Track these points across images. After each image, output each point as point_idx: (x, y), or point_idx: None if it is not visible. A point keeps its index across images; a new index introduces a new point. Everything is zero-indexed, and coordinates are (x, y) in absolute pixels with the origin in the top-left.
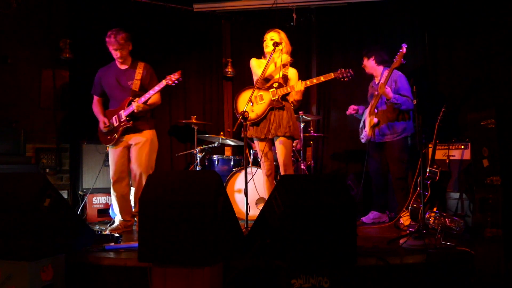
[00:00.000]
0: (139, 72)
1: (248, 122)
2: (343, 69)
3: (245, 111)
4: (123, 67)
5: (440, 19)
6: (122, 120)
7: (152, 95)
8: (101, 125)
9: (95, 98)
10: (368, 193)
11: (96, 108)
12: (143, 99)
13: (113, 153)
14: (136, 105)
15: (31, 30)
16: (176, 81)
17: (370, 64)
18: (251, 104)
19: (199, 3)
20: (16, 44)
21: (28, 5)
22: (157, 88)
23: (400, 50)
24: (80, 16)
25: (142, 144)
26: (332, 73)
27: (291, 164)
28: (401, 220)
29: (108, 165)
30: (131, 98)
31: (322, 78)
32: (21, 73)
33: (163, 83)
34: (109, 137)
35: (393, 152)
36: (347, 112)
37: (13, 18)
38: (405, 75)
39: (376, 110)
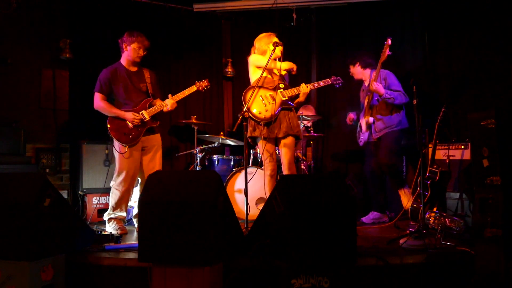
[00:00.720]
0: (147, 76)
1: (262, 122)
2: (334, 76)
3: (245, 111)
4: (133, 69)
5: (440, 19)
6: (145, 120)
7: (181, 97)
8: (133, 119)
9: (100, 96)
10: (368, 193)
11: (108, 105)
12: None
13: (132, 152)
14: (171, 103)
15: (31, 30)
16: (206, 88)
17: (356, 71)
18: (263, 103)
19: (199, 3)
20: (16, 44)
21: (28, 5)
22: (187, 92)
23: (385, 43)
24: (80, 16)
25: (157, 147)
26: (329, 79)
27: (294, 163)
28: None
29: (108, 165)
30: (151, 99)
31: (321, 83)
32: (21, 73)
33: (194, 88)
34: (130, 136)
35: (385, 141)
36: (348, 122)
37: (13, 18)
38: (405, 75)
39: (371, 111)
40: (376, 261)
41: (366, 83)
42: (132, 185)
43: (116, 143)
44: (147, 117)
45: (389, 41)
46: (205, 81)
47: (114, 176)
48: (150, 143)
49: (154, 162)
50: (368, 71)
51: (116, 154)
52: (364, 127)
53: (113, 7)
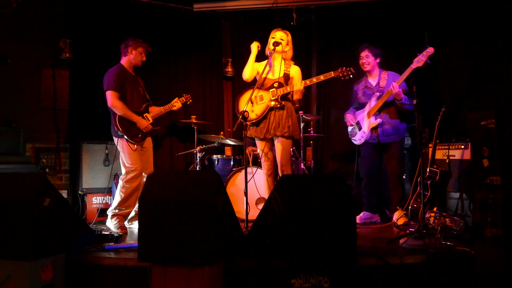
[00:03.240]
0: (141, 82)
1: (248, 122)
2: (344, 68)
3: (245, 111)
4: (133, 73)
5: (440, 19)
6: (149, 122)
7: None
8: (146, 127)
9: (117, 94)
10: (360, 192)
11: (124, 106)
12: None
13: (138, 150)
14: (178, 105)
15: (31, 30)
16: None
17: (374, 64)
18: (251, 104)
19: (199, 3)
20: (16, 44)
21: (28, 5)
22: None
23: (427, 50)
24: (80, 16)
25: (151, 147)
26: (332, 72)
27: (289, 164)
28: (395, 218)
29: (108, 165)
30: (151, 103)
31: (322, 77)
32: (21, 73)
33: (183, 99)
34: (140, 135)
35: (397, 151)
36: (349, 124)
37: (13, 18)
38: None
39: (378, 112)
40: (376, 261)
41: (373, 82)
42: (140, 180)
43: (123, 142)
44: (151, 120)
45: (432, 50)
46: (188, 96)
47: (124, 173)
48: (147, 145)
49: (151, 159)
50: (378, 70)
51: (125, 152)
52: (367, 126)
53: (113, 7)
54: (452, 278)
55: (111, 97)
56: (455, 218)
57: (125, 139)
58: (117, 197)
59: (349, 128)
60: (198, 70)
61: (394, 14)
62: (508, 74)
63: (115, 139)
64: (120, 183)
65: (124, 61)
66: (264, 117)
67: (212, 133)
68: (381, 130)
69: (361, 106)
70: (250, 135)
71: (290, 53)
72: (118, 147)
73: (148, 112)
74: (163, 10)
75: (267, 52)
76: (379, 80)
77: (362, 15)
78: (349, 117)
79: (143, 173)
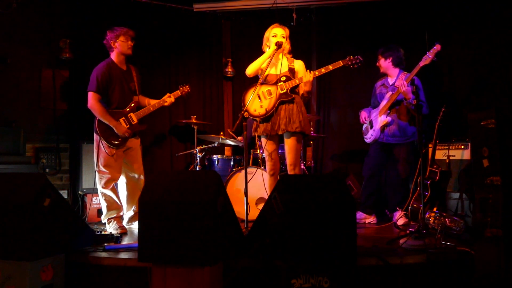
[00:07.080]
0: (135, 75)
1: (258, 119)
2: (351, 56)
3: (245, 111)
4: (123, 67)
5: (440, 19)
6: (133, 123)
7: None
8: (124, 133)
9: (97, 96)
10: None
11: (103, 110)
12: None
13: (117, 153)
14: (170, 100)
15: (31, 30)
16: (187, 92)
17: (386, 65)
18: (259, 100)
19: (199, 3)
20: (16, 44)
21: (28, 5)
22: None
23: (434, 47)
24: (80, 16)
25: (138, 148)
26: (340, 61)
27: (299, 164)
28: (395, 218)
29: None
30: (138, 101)
31: (330, 67)
32: (21, 73)
33: (178, 93)
34: (120, 138)
35: (402, 153)
36: (362, 121)
37: (13, 18)
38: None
39: (388, 111)
40: (376, 261)
41: (391, 81)
42: (115, 182)
43: (102, 143)
44: (135, 120)
45: (439, 47)
46: (187, 86)
47: (98, 176)
48: (133, 145)
49: (139, 161)
50: (397, 70)
51: (101, 154)
52: (377, 126)
53: (113, 7)
54: (452, 278)
55: (91, 98)
56: (455, 218)
57: (104, 142)
58: (103, 206)
59: (363, 126)
60: (198, 70)
61: (394, 14)
62: (508, 74)
63: (95, 136)
64: (98, 190)
65: (113, 55)
66: (274, 111)
67: (212, 133)
68: (388, 130)
69: (377, 104)
70: (260, 134)
71: (288, 47)
72: (94, 145)
73: (134, 112)
74: (163, 10)
75: (265, 49)
76: (396, 80)
77: (362, 15)
78: (363, 114)
79: (136, 174)
